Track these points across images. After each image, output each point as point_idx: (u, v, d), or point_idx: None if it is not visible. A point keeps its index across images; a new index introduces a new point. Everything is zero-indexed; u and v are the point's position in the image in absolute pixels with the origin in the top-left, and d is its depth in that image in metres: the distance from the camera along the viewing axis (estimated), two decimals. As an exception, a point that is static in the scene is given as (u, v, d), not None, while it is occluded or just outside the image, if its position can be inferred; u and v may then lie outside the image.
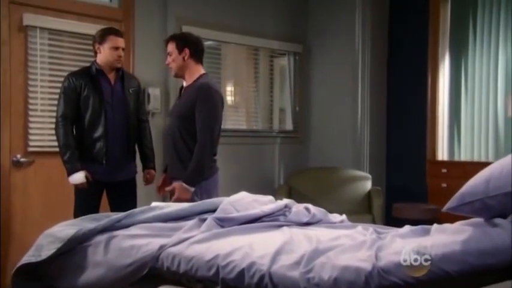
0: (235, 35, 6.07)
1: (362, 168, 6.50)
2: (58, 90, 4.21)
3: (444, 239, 2.33)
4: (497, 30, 5.96)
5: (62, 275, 2.89)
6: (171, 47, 4.06)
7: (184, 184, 3.90)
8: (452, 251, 2.19)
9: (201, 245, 2.64)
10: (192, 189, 3.90)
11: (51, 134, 4.34)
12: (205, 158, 3.94)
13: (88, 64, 4.28)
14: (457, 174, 5.83)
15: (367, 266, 2.21)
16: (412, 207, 5.90)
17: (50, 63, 4.82)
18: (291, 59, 6.80)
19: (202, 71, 4.12)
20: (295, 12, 6.74)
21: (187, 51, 4.03)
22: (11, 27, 4.58)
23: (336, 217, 3.32)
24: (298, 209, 3.23)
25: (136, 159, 4.43)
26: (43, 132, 4.75)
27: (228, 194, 3.44)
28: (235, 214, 3.07)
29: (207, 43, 4.32)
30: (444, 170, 6.12)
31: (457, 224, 2.49)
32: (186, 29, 5.32)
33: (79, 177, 4.04)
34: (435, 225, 2.64)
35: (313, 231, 2.87)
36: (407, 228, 2.77)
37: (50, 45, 4.83)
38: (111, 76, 4.21)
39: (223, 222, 2.97)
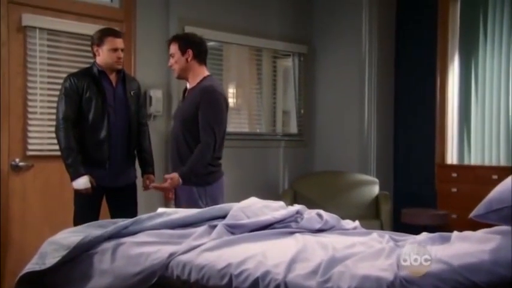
0: (239, 35, 6.04)
1: (369, 172, 6.45)
2: (58, 92, 4.15)
3: (469, 248, 2.32)
4: (509, 29, 5.89)
5: (67, 284, 2.86)
6: (174, 48, 4.02)
7: (177, 176, 3.84)
8: (481, 261, 2.18)
9: (212, 252, 2.63)
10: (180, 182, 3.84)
11: (51, 138, 4.29)
12: (205, 157, 3.88)
13: (88, 65, 4.23)
14: (468, 178, 5.82)
15: (388, 275, 2.18)
16: (421, 212, 5.86)
17: (49, 64, 4.76)
18: (295, 60, 6.75)
19: (206, 72, 4.07)
20: (300, 11, 6.69)
21: (190, 52, 3.98)
22: (10, 27, 4.52)
23: (348, 223, 3.32)
24: (311, 215, 3.21)
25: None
26: (42, 136, 4.70)
27: (231, 200, 3.44)
28: (245, 221, 3.05)
29: (208, 44, 4.28)
30: (454, 175, 6.05)
31: (481, 232, 2.48)
32: (188, 29, 5.28)
33: (83, 182, 3.96)
34: (455, 233, 2.64)
35: (327, 239, 2.87)
36: (424, 235, 2.77)
37: (49, 46, 4.76)
38: (113, 77, 4.16)
39: (233, 229, 2.96)
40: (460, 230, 2.65)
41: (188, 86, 4.08)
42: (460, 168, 6.14)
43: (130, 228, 2.97)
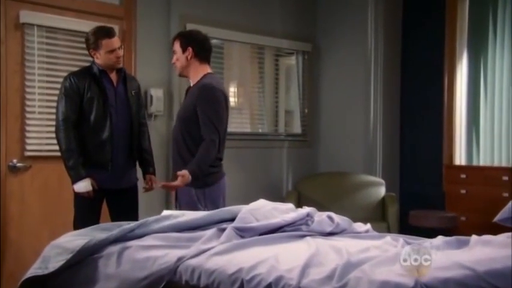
0: (241, 33, 5.99)
1: (375, 173, 6.39)
2: (57, 92, 4.09)
3: (491, 253, 2.33)
4: (519, 28, 5.84)
5: (71, 288, 2.83)
6: (176, 45, 3.98)
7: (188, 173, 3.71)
8: (505, 267, 2.17)
9: (222, 257, 2.58)
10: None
11: (49, 138, 4.27)
12: (211, 154, 3.77)
13: (88, 64, 4.17)
14: (477, 180, 5.74)
15: (408, 282, 2.11)
16: (429, 214, 5.79)
17: (48, 62, 4.72)
18: (299, 59, 6.71)
19: (207, 70, 4.00)
20: (304, 9, 6.64)
21: (190, 50, 3.92)
22: (7, 25, 4.49)
23: (360, 226, 3.27)
24: (321, 218, 3.16)
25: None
26: (41, 136, 4.66)
27: (233, 202, 3.40)
28: (255, 224, 3.01)
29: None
30: (463, 176, 5.98)
31: (503, 237, 2.52)
32: (190, 27, 5.20)
33: (85, 185, 3.89)
34: (474, 237, 2.64)
35: (340, 242, 2.84)
36: (440, 239, 2.77)
37: (48, 44, 4.73)
38: (113, 77, 4.09)
39: (243, 232, 2.91)
40: (469, 233, 2.62)
41: (191, 84, 4.02)
42: (469, 169, 6.06)
43: (136, 231, 2.93)
